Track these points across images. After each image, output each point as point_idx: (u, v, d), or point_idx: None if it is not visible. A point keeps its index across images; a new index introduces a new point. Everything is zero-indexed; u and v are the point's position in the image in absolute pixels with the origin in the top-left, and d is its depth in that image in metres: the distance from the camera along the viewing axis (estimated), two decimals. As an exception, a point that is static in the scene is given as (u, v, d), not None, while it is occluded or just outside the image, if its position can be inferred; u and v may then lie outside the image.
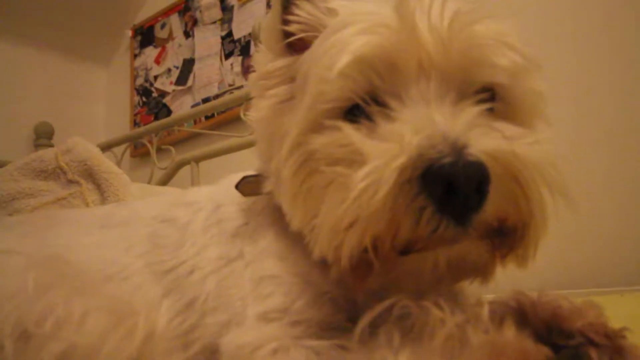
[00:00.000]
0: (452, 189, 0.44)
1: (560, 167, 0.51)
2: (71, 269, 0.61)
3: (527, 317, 0.57)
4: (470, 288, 0.67)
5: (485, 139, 0.46)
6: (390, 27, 0.52)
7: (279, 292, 0.58)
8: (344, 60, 0.52)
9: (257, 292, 0.59)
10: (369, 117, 0.52)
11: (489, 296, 0.70)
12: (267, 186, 0.63)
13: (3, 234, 0.70)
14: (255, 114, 0.63)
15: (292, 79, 0.61)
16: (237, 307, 0.60)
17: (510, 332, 0.44)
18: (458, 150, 0.44)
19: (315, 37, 0.59)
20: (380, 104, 0.52)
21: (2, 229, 0.74)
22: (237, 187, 0.67)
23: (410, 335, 0.49)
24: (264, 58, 0.63)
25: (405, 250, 0.49)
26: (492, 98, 0.55)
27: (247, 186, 0.67)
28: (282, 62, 0.62)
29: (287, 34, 0.62)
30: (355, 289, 0.55)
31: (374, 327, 0.52)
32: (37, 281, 0.55)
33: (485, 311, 0.49)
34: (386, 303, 0.52)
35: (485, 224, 0.47)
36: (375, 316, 0.52)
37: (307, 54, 0.59)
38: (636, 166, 1.42)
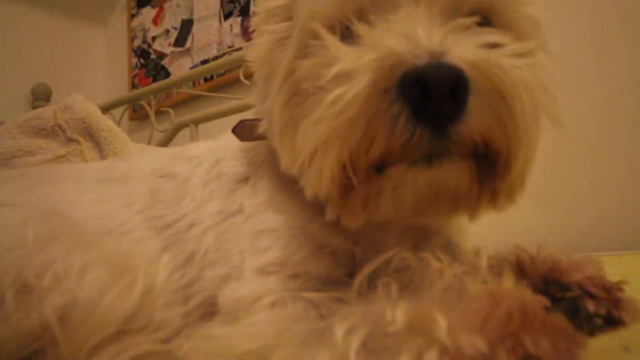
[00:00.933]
0: (426, 92, 0.42)
1: (549, 86, 0.49)
2: (70, 223, 0.60)
3: (526, 271, 0.57)
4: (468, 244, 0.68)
5: (467, 46, 0.45)
6: None
7: (278, 245, 0.59)
8: None
9: (256, 245, 0.59)
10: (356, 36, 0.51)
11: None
12: (261, 127, 0.61)
13: (1, 187, 0.70)
14: (254, 52, 0.62)
15: (290, 18, 0.60)
16: (235, 261, 0.60)
17: (508, 283, 0.44)
18: (437, 56, 0.43)
19: None
20: (368, 24, 0.51)
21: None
22: (234, 130, 0.66)
23: (408, 287, 0.49)
24: (266, 1, 0.62)
25: (381, 166, 0.48)
26: (486, 24, 0.53)
27: (244, 129, 0.66)
28: (282, 0, 0.61)
29: None
30: (348, 222, 0.54)
31: (372, 280, 0.52)
32: (37, 234, 0.54)
33: (483, 262, 0.49)
34: (385, 256, 0.52)
35: (467, 139, 0.45)
36: (373, 269, 0.52)
37: None
38: (635, 133, 1.41)
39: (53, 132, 1.23)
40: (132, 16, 2.83)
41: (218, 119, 1.89)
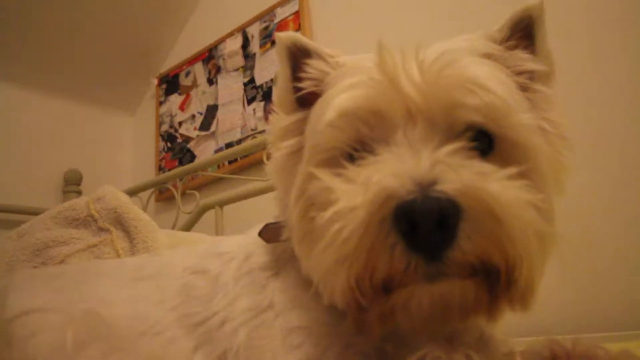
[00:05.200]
0: (416, 225, 0.45)
1: (539, 204, 0.50)
2: (107, 325, 0.62)
3: (562, 367, 0.56)
4: (501, 333, 0.67)
5: (455, 176, 0.47)
6: (374, 80, 0.55)
7: (309, 342, 0.59)
8: (329, 114, 0.55)
9: (287, 342, 0.60)
10: (356, 164, 0.54)
11: (521, 339, 0.69)
12: (285, 233, 0.65)
13: (39, 289, 0.72)
14: (272, 165, 0.67)
15: (303, 132, 0.64)
16: (267, 359, 0.60)
17: (545, 387, 0.43)
18: (425, 187, 0.46)
19: (324, 90, 0.62)
20: (368, 150, 0.55)
21: (38, 282, 0.76)
22: (260, 234, 0.69)
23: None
24: (279, 120, 0.67)
25: (387, 289, 0.50)
26: (484, 139, 0.55)
27: (269, 233, 0.69)
28: (296, 116, 0.66)
29: (300, 90, 0.66)
30: (367, 334, 0.55)
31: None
32: (75, 338, 0.56)
33: (518, 364, 0.48)
34: (417, 355, 0.52)
35: (463, 262, 0.47)
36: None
37: (315, 107, 0.63)
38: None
39: (85, 222, 1.27)
40: (160, 103, 2.97)
41: (242, 200, 1.93)
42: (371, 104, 0.54)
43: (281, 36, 0.66)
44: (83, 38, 2.69)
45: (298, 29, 2.32)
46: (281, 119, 0.66)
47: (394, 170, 0.48)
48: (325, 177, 0.53)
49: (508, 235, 0.47)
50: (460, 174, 0.47)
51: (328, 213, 0.49)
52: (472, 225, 0.46)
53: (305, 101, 0.65)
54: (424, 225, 0.44)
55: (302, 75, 0.65)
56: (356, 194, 0.48)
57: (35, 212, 1.72)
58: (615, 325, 1.31)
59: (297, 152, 0.63)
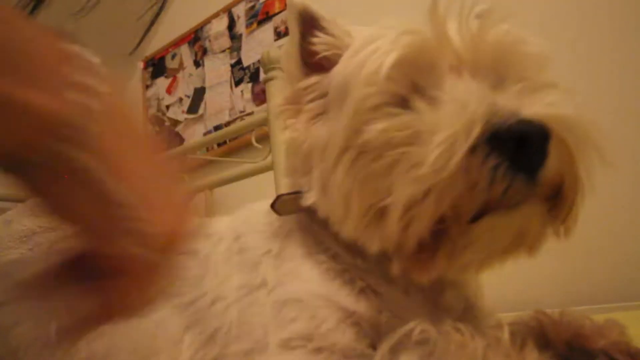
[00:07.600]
0: (522, 143, 0.47)
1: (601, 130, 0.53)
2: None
3: (549, 337, 0.57)
4: (489, 305, 0.68)
5: (535, 107, 0.50)
6: (423, 31, 0.56)
7: (303, 316, 0.58)
8: (389, 60, 0.55)
9: (281, 316, 0.59)
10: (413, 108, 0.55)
11: (510, 314, 0.70)
12: (309, 199, 0.63)
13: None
14: (292, 132, 0.66)
15: (323, 95, 0.64)
16: (258, 335, 0.60)
17: (532, 356, 0.44)
18: (518, 114, 0.48)
19: (338, 55, 0.62)
20: (422, 96, 0.55)
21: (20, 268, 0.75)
22: (272, 206, 0.67)
23: (431, 362, 0.49)
24: (287, 84, 0.67)
25: (477, 216, 0.50)
26: None
27: (284, 204, 0.67)
28: (313, 79, 0.65)
29: (310, 55, 0.65)
30: (419, 275, 0.55)
31: (394, 352, 0.52)
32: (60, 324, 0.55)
33: (505, 334, 0.49)
34: (405, 328, 0.52)
35: (549, 182, 0.50)
36: (395, 342, 0.52)
37: (337, 69, 0.62)
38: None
39: (73, 207, 1.26)
40: (147, 87, 2.94)
41: (232, 182, 1.92)
42: (424, 53, 0.55)
43: (294, 1, 0.66)
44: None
45: (284, 8, 2.29)
46: (294, 84, 0.66)
47: (479, 99, 0.49)
48: (407, 115, 0.53)
49: (580, 161, 0.51)
50: (540, 105, 0.50)
51: (436, 140, 0.48)
52: (558, 146, 0.49)
53: (315, 66, 0.65)
54: (532, 144, 0.47)
55: (314, 40, 0.65)
56: (459, 121, 0.48)
57: (20, 199, 1.70)
58: (602, 298, 1.34)
59: (321, 115, 0.63)
